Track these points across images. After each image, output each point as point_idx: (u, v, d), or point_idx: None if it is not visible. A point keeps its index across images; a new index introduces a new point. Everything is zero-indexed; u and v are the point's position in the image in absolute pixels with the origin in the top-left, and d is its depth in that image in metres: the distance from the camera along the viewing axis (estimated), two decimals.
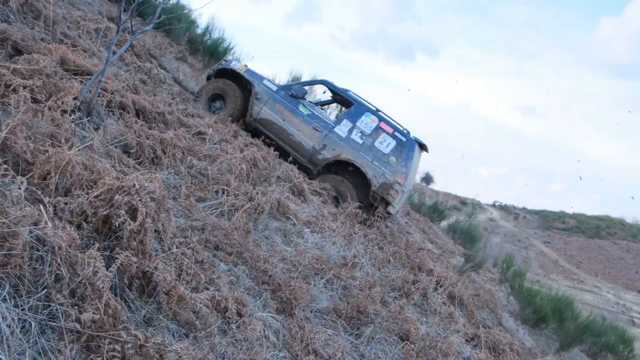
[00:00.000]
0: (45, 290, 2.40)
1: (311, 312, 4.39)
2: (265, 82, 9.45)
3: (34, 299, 2.33)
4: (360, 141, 8.77)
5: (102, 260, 2.64)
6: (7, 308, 2.20)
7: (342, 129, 8.89)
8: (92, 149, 3.84)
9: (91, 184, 3.20)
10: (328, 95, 10.80)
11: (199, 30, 16.17)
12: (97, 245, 2.80)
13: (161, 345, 2.50)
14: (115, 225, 2.95)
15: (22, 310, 2.26)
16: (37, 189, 3.00)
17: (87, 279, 2.52)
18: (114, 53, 5.23)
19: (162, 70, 9.15)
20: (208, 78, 10.13)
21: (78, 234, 2.75)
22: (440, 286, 7.02)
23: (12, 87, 4.13)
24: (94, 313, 2.41)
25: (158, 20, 5.30)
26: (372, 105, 9.26)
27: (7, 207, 2.49)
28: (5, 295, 2.24)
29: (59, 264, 2.48)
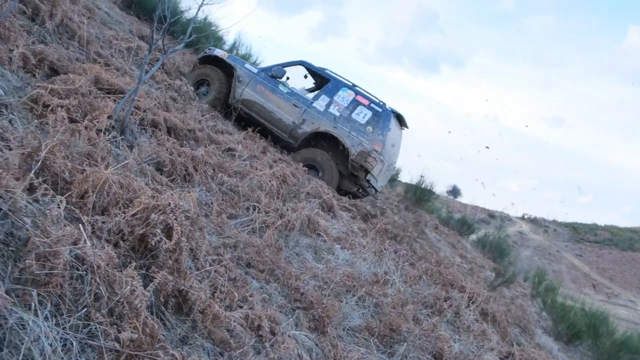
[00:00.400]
0: (85, 309, 2.42)
1: (343, 330, 4.36)
2: (246, 65, 10.00)
3: (74, 318, 2.36)
4: (338, 114, 9.23)
5: (140, 279, 2.66)
6: (48, 327, 2.22)
7: (320, 104, 9.38)
8: (127, 168, 3.89)
9: (127, 202, 3.23)
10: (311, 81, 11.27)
11: (227, 47, 16.40)
12: (133, 263, 2.83)
13: None
14: (152, 244, 2.98)
15: (63, 329, 2.29)
16: (75, 207, 3.05)
17: (125, 298, 2.54)
18: (147, 72, 5.31)
19: (192, 88, 9.25)
20: (194, 66, 10.58)
21: (115, 253, 2.78)
22: (473, 302, 6.91)
23: (50, 108, 4.22)
24: (132, 332, 2.43)
25: (189, 40, 5.38)
26: (349, 81, 9.74)
27: (48, 226, 2.53)
28: (47, 314, 2.27)
29: (98, 283, 2.51)
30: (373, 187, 9.44)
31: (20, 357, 2.06)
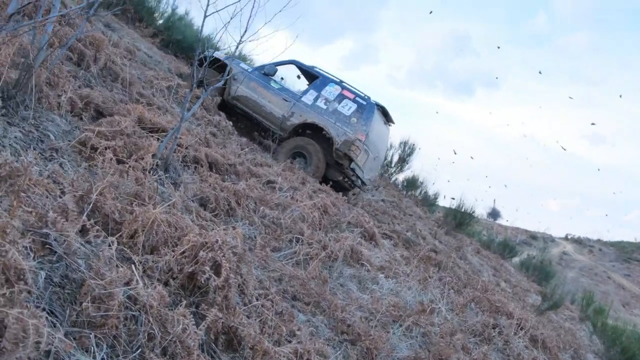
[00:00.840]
0: (140, 349, 2.46)
1: None
2: (241, 65, 10.77)
3: (129, 359, 2.39)
4: (325, 107, 9.92)
5: (191, 317, 2.69)
6: None
7: (308, 98, 10.10)
8: (174, 206, 3.97)
9: (176, 241, 3.29)
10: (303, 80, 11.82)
11: None
12: (184, 302, 2.87)
13: None
14: (201, 282, 3.01)
15: None
16: (125, 248, 3.12)
17: (178, 337, 2.58)
18: (188, 110, 5.44)
19: (230, 122, 9.43)
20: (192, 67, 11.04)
21: (166, 292, 2.83)
22: (521, 329, 6.75)
23: (98, 150, 4.35)
24: None
25: (227, 77, 5.50)
26: (336, 78, 10.38)
27: (102, 268, 2.60)
28: (103, 356, 2.31)
29: (151, 323, 2.55)
30: (359, 177, 10.02)
31: None
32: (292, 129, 9.97)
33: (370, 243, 6.84)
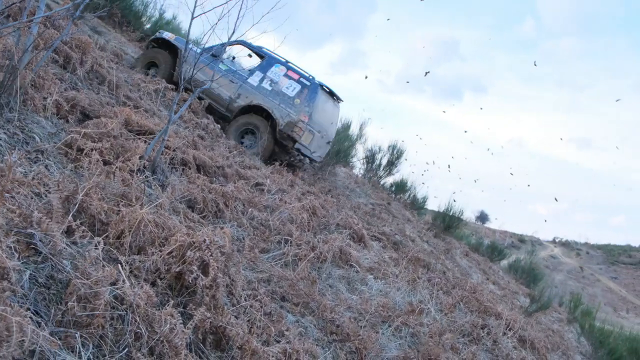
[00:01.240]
0: (127, 349, 2.44)
1: None
2: (190, 46, 10.44)
3: (116, 359, 2.37)
4: (270, 88, 9.94)
5: (179, 317, 2.67)
6: None
7: (254, 79, 10.08)
8: (161, 207, 3.94)
9: (163, 241, 3.27)
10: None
11: None
12: (171, 301, 2.85)
13: None
14: (188, 281, 3.00)
15: None
16: (112, 248, 3.09)
17: (165, 336, 2.56)
18: (175, 112, 5.41)
19: (218, 125, 9.40)
20: (144, 50, 11.22)
21: (153, 291, 2.81)
22: (510, 329, 6.77)
23: (84, 151, 4.32)
24: None
25: (216, 79, 5.48)
26: (282, 58, 10.39)
27: (88, 268, 2.57)
28: (89, 356, 2.29)
29: (138, 323, 2.53)
30: (306, 156, 10.22)
31: None
32: (238, 111, 10.04)
33: (359, 245, 6.84)
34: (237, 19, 5.57)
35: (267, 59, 10.41)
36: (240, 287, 3.70)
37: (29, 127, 4.49)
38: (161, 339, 2.54)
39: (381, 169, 16.51)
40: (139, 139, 5.61)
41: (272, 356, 3.15)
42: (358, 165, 16.74)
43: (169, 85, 8.97)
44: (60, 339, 2.27)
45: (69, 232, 2.99)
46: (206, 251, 3.10)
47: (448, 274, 8.51)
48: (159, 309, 2.68)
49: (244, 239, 5.03)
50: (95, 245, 2.90)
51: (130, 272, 2.93)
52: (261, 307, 3.73)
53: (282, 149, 9.95)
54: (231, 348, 3.03)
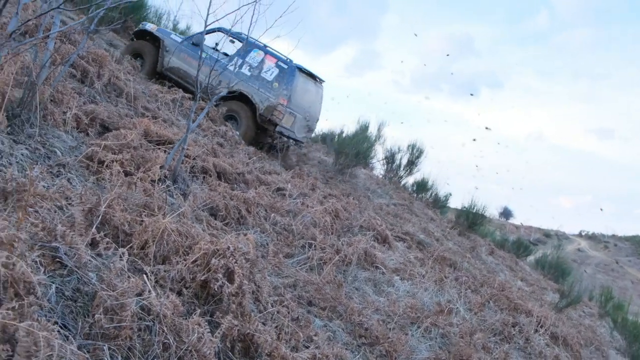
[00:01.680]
0: None
1: None
2: (172, 36, 10.84)
3: None
4: (249, 73, 10.12)
5: (206, 326, 2.64)
6: None
7: (233, 66, 10.22)
8: (183, 215, 3.93)
9: (187, 249, 3.25)
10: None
11: None
12: (198, 310, 2.82)
13: None
14: (214, 289, 2.96)
15: None
16: (137, 259, 3.08)
17: (193, 346, 2.52)
18: (194, 121, 5.41)
19: (237, 132, 9.41)
20: (129, 42, 11.49)
21: (180, 301, 2.78)
22: (541, 326, 6.64)
23: (105, 163, 4.33)
24: None
25: (232, 87, 5.47)
26: (260, 43, 10.43)
27: (113, 279, 2.55)
28: None
29: (165, 333, 2.50)
30: (290, 137, 10.49)
31: None
32: (220, 97, 10.20)
33: (384, 246, 6.77)
34: (250, 24, 5.56)
35: (245, 45, 10.57)
36: (267, 293, 3.66)
37: (50, 141, 4.51)
38: (189, 348, 2.51)
39: (401, 168, 16.39)
40: (159, 149, 5.62)
41: None
42: (378, 166, 16.65)
43: (186, 95, 9.01)
44: (88, 352, 2.25)
45: (93, 244, 2.98)
46: (230, 258, 3.06)
47: (475, 272, 8.40)
48: (186, 319, 2.65)
49: (267, 244, 5.00)
50: (120, 257, 2.88)
51: (156, 282, 2.91)
52: (288, 312, 3.69)
53: (263, 132, 10.18)
54: (260, 355, 2.99)
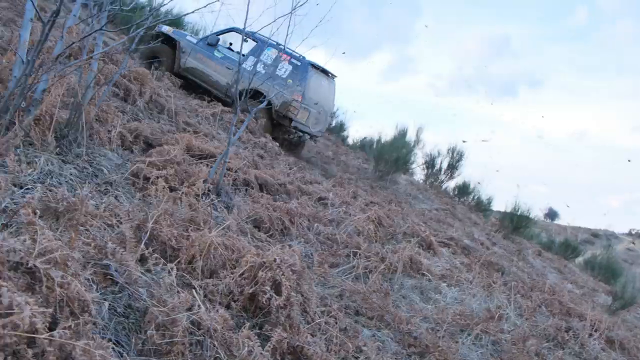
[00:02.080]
0: None
1: None
2: (187, 37, 11.12)
3: None
4: (264, 71, 10.28)
5: (256, 339, 2.64)
6: None
7: (248, 64, 10.38)
8: (229, 229, 3.95)
9: (234, 263, 3.26)
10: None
11: None
12: (247, 323, 2.83)
13: None
14: (262, 302, 2.97)
15: None
16: (185, 273, 3.11)
17: (244, 359, 2.52)
18: (234, 134, 5.46)
19: (276, 143, 9.47)
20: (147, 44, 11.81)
21: (229, 314, 2.79)
22: (596, 330, 6.43)
23: (150, 180, 4.40)
24: None
25: (269, 98, 5.50)
26: (274, 41, 10.24)
27: (163, 295, 2.58)
28: None
29: (216, 347, 2.51)
30: (305, 132, 10.69)
31: None
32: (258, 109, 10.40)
33: (429, 252, 6.68)
34: (287, 35, 5.59)
35: (259, 44, 10.74)
36: (314, 304, 3.65)
37: (97, 160, 4.62)
38: None
39: (442, 173, 16.24)
40: (201, 163, 5.69)
41: None
42: (418, 172, 16.52)
43: (226, 108, 9.13)
44: None
45: (142, 260, 3.03)
46: (277, 270, 3.06)
47: (523, 276, 8.21)
48: (236, 332, 2.66)
49: (312, 255, 4.99)
50: (169, 272, 2.92)
51: (205, 296, 2.93)
52: (336, 323, 3.67)
53: (279, 128, 10.37)
54: None
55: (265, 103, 6.11)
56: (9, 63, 4.51)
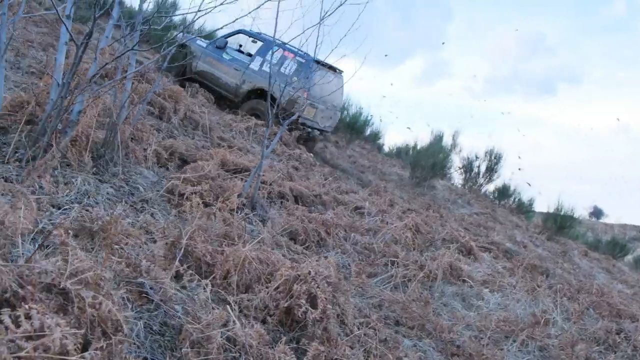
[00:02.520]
0: None
1: None
2: (197, 42, 11.36)
3: None
4: (269, 70, 9.95)
5: (292, 354, 2.61)
6: None
7: (255, 64, 10.83)
8: (263, 242, 3.95)
9: (269, 277, 3.24)
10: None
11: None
12: (283, 338, 2.80)
13: None
14: (298, 316, 2.93)
15: None
16: (220, 289, 3.10)
17: None
18: (267, 147, 5.47)
19: (311, 154, 9.48)
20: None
21: (265, 329, 2.77)
22: None
23: (185, 196, 4.43)
24: None
25: (302, 109, 5.50)
26: (279, 40, 10.23)
27: (198, 312, 2.57)
28: None
29: None
30: (314, 128, 10.79)
31: None
32: (245, 94, 10.74)
33: (469, 258, 6.55)
34: (316, 45, 5.59)
35: (265, 44, 11.03)
36: (352, 316, 3.60)
37: (133, 178, 4.68)
38: None
39: (480, 176, 15.98)
40: (236, 177, 5.72)
41: None
42: (456, 176, 16.30)
43: (259, 122, 9.19)
44: None
45: (177, 277, 3.04)
46: (312, 283, 3.03)
47: (569, 278, 7.98)
48: (272, 347, 2.63)
49: (349, 265, 4.95)
50: (204, 288, 2.92)
51: (240, 311, 2.91)
52: (375, 334, 3.61)
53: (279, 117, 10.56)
54: None
55: (296, 115, 6.11)
56: (46, 86, 4.62)
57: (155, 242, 3.18)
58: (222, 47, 11.34)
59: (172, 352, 2.40)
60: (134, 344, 2.28)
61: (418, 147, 15.09)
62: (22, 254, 2.36)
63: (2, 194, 3.10)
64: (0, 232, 2.32)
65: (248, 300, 3.01)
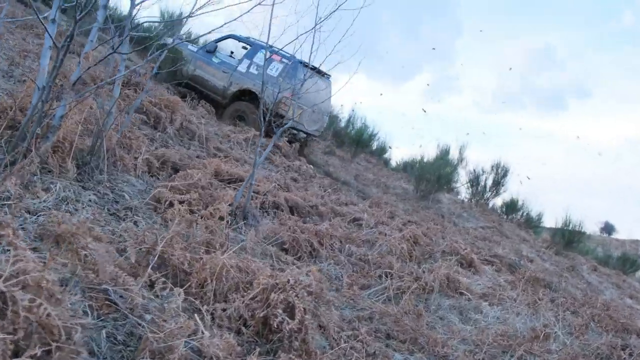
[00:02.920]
0: None
1: None
2: (189, 47, 11.51)
3: None
4: (256, 72, 10.76)
5: None
6: None
7: (242, 67, 11.02)
8: (245, 250, 3.81)
9: (247, 286, 3.10)
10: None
11: (342, 123, 16.75)
12: (257, 349, 2.64)
13: None
14: (274, 326, 2.78)
15: None
16: (195, 298, 2.96)
17: None
18: (260, 155, 5.36)
19: (311, 166, 9.36)
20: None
21: (238, 340, 2.62)
22: None
23: (172, 203, 4.32)
24: None
25: (294, 116, 5.38)
26: (267, 44, 10.23)
27: (164, 320, 2.43)
28: None
29: None
30: (300, 130, 10.88)
31: None
32: (231, 96, 10.91)
33: (469, 270, 6.37)
34: (310, 53, 5.51)
35: (253, 47, 11.24)
36: (338, 328, 3.45)
37: (119, 186, 4.57)
38: None
39: (487, 190, 15.76)
40: (229, 187, 5.60)
41: None
42: (463, 190, 16.10)
43: (258, 133, 9.11)
44: None
45: (151, 285, 2.90)
46: (290, 292, 2.88)
47: (575, 293, 7.76)
48: (243, 359, 2.48)
49: (342, 276, 4.80)
50: (177, 297, 2.78)
51: (212, 321, 2.77)
52: (363, 347, 3.45)
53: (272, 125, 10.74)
54: None
55: (290, 124, 6.00)
56: (29, 91, 4.53)
57: (124, 250, 3.05)
58: (212, 52, 11.51)
59: None
60: (91, 353, 2.15)
61: (424, 161, 14.94)
62: None
63: None
64: None
65: (222, 310, 2.86)
